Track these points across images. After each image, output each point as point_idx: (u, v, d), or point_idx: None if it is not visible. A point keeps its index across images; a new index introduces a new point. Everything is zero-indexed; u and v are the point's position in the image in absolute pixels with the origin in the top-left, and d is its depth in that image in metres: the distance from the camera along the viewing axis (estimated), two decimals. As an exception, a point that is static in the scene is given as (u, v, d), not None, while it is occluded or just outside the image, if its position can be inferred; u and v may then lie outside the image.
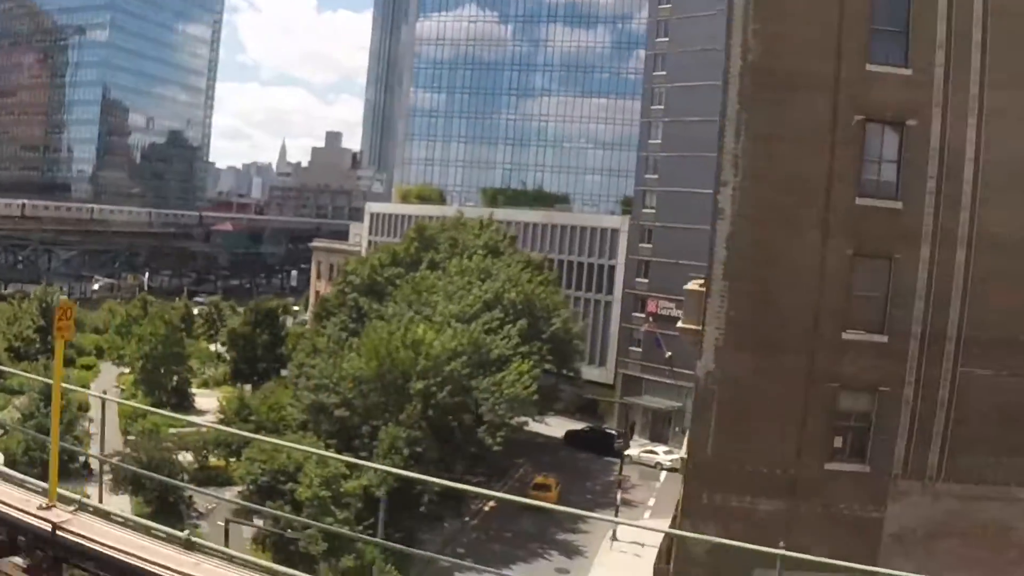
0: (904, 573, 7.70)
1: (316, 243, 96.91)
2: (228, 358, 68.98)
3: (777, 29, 19.46)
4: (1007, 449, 19.30)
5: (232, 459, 42.73)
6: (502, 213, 67.62)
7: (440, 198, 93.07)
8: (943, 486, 19.56)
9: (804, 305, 19.55)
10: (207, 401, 58.41)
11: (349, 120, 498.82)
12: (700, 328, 19.74)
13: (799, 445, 19.82)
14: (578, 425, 60.29)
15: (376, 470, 34.00)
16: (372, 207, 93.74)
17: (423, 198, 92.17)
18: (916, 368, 19.41)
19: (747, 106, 19.82)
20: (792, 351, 19.68)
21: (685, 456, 20.89)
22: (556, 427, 56.93)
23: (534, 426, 50.61)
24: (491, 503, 44.10)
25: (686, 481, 20.35)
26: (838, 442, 19.98)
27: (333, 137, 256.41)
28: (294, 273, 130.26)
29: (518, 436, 47.21)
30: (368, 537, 34.72)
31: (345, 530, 31.72)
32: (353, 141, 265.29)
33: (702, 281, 20.58)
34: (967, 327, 19.28)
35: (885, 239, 19.53)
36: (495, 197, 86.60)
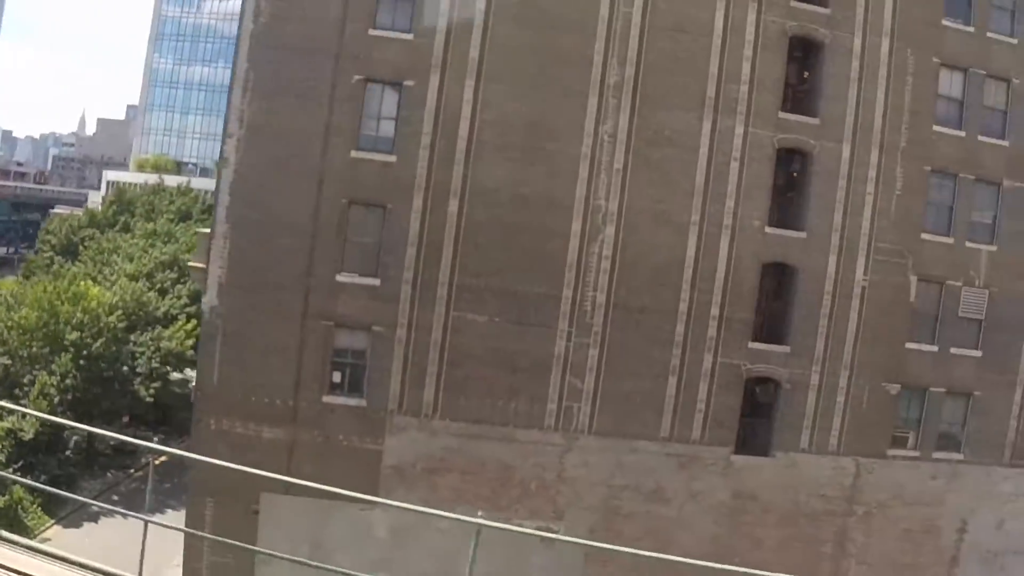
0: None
1: (56, 210, 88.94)
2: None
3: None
4: (504, 391, 20.64)
5: None
6: (201, 182, 65.30)
7: (176, 168, 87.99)
8: (440, 423, 20.55)
9: (300, 248, 19.92)
10: None
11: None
12: (205, 267, 19.51)
13: (298, 378, 20.16)
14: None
15: (25, 415, 32.42)
16: (108, 175, 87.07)
17: (159, 167, 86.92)
18: (409, 311, 20.31)
19: (254, 65, 19.82)
20: (289, 290, 20.00)
21: (194, 385, 20.71)
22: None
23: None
24: (162, 457, 42.38)
25: (196, 409, 20.16)
26: (336, 377, 20.56)
27: (133, 109, 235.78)
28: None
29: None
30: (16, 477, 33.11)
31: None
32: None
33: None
34: (460, 274, 20.39)
35: (379, 190, 20.28)
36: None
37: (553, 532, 19.72)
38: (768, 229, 21.10)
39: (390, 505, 19.57)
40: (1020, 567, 23.49)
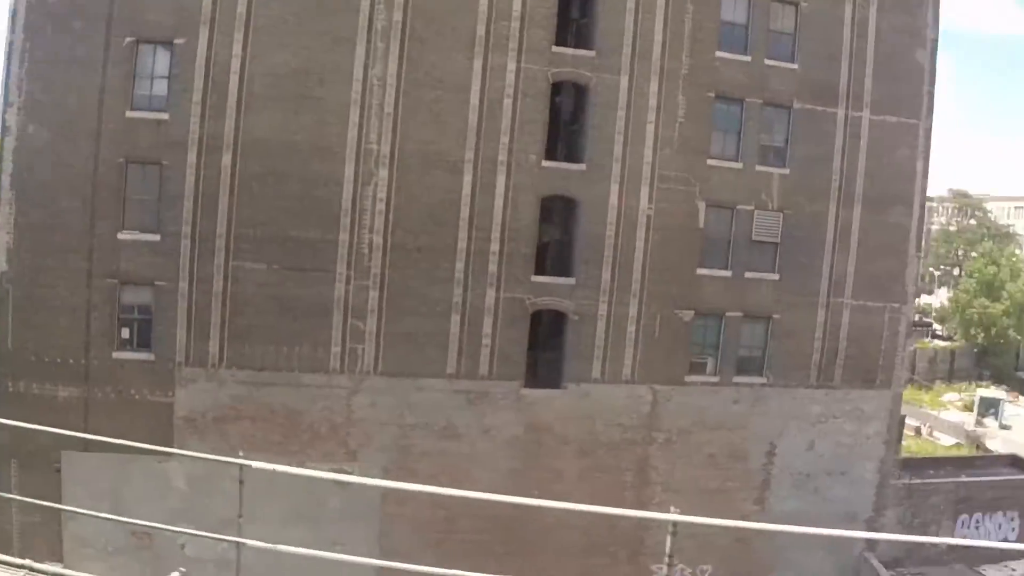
0: None
1: None
2: None
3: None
4: (287, 337, 20.60)
5: None
6: None
7: None
8: (227, 373, 20.56)
9: (82, 209, 19.90)
10: None
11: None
12: (-12, 233, 19.56)
13: (87, 337, 20.20)
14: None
15: None
16: None
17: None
18: (189, 264, 20.28)
19: (30, 34, 19.76)
20: (74, 251, 20.00)
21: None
22: None
23: None
24: None
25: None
26: (125, 333, 20.55)
27: None
28: None
29: None
30: None
31: None
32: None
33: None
34: (237, 225, 20.32)
35: (154, 147, 20.19)
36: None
37: (347, 473, 19.68)
38: (545, 163, 20.85)
39: (186, 456, 19.56)
40: (835, 487, 23.29)
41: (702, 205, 21.54)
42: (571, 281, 21.15)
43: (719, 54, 21.69)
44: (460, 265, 20.59)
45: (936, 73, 23.53)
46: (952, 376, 64.31)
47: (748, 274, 22.00)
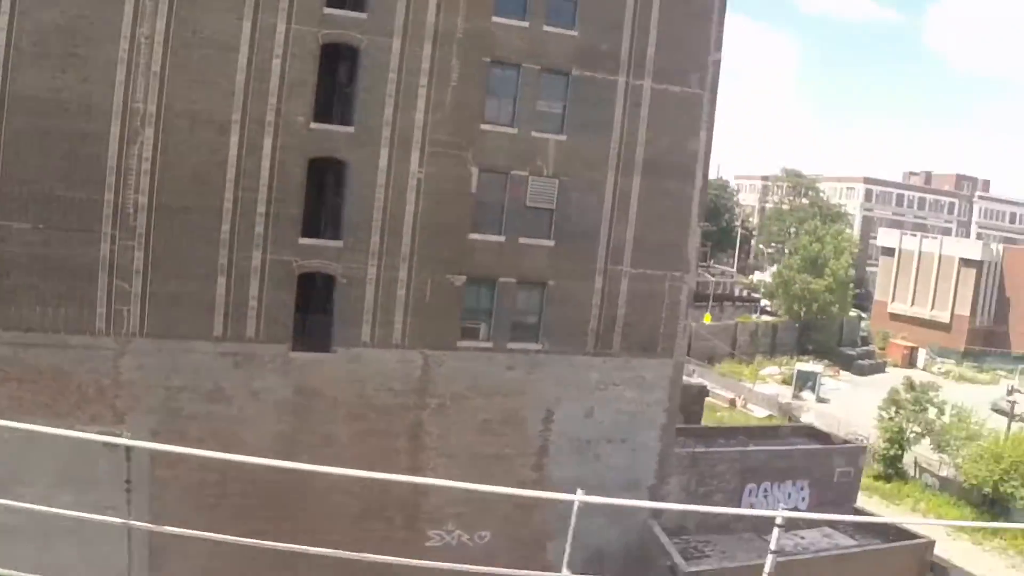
0: None
1: None
2: None
3: None
4: (54, 298, 30.03)
5: None
6: None
7: None
8: None
9: None
10: None
11: None
12: None
13: None
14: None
15: None
16: None
17: None
18: (-52, 221, 29.28)
19: None
20: None
21: None
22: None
23: None
24: None
25: None
26: None
27: None
28: None
29: None
30: None
31: None
32: None
33: None
34: (3, 183, 29.49)
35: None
36: None
37: (116, 435, 29.19)
38: (314, 125, 30.93)
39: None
40: (617, 455, 34.27)
41: (475, 170, 32.11)
42: (339, 244, 31.29)
43: (496, 19, 32.23)
44: (226, 227, 30.50)
45: (722, 43, 34.78)
46: (774, 350, 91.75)
47: (522, 240, 32.73)
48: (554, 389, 33.78)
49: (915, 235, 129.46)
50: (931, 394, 60.67)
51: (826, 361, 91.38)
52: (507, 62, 32.68)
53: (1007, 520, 52.30)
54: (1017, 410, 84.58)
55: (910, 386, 60.90)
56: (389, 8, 31.68)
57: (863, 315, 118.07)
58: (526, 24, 32.83)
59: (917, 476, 60.57)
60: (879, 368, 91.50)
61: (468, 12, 32.22)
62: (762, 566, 26.77)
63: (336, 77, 32.23)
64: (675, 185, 34.58)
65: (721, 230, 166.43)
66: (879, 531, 40.59)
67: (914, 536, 40.32)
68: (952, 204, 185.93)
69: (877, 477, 59.30)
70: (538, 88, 33.06)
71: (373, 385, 32.22)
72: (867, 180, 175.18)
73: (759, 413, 70.60)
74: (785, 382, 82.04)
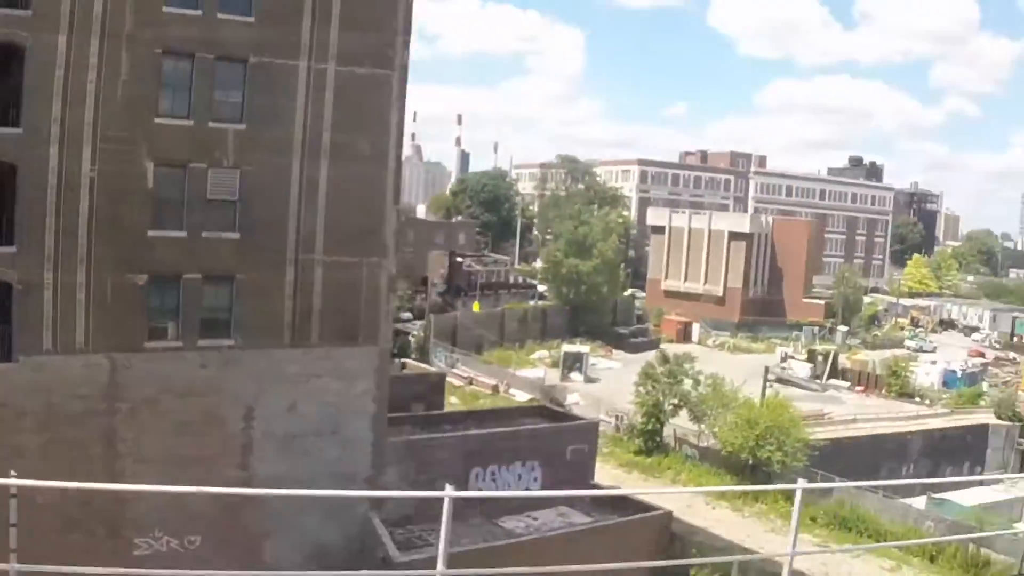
0: None
1: None
2: None
3: None
4: None
5: None
6: None
7: None
8: None
9: None
10: None
11: None
12: None
13: None
14: None
15: None
16: None
17: None
18: None
19: None
20: None
21: None
22: None
23: None
24: None
25: None
26: None
27: None
28: None
29: None
30: None
31: None
32: None
33: None
34: None
35: None
36: None
37: None
38: (-23, 127, 36.04)
39: None
40: (327, 448, 40.84)
41: (150, 165, 37.84)
42: (13, 250, 36.63)
43: (167, 9, 37.98)
44: None
45: (411, 23, 41.60)
46: (545, 335, 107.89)
47: (206, 234, 38.68)
48: (253, 385, 39.70)
49: (684, 212, 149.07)
50: (686, 366, 69.96)
51: (598, 342, 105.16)
52: (180, 52, 38.04)
53: (767, 484, 62.08)
54: (790, 376, 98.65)
55: (664, 359, 70.80)
56: (54, 4, 36.88)
57: (639, 294, 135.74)
58: (199, 12, 38.26)
59: (677, 448, 69.84)
60: (653, 345, 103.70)
61: (137, 3, 37.32)
62: (481, 551, 37.17)
63: (9, 79, 37.36)
64: (367, 169, 40.80)
65: (501, 220, 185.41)
66: (619, 506, 48.37)
67: (652, 508, 48.52)
68: (728, 181, 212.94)
69: (638, 452, 68.60)
70: (214, 78, 38.83)
71: (60, 393, 37.27)
72: (641, 162, 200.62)
73: (521, 397, 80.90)
74: (555, 365, 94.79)
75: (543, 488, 47.08)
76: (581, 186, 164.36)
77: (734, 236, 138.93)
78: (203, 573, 32.32)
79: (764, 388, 75.46)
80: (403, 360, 78.56)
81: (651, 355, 78.88)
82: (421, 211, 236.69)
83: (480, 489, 44.76)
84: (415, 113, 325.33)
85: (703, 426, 68.68)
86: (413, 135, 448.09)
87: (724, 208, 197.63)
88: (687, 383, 69.61)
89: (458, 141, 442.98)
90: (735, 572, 44.13)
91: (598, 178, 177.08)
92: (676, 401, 69.03)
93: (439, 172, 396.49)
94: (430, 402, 55.96)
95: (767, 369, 79.84)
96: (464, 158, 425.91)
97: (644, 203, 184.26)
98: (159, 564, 38.30)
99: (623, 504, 47.98)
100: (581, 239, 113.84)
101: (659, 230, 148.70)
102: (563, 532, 44.77)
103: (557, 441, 48.60)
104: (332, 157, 40.35)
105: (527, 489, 46.25)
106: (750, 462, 64.19)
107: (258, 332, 39.80)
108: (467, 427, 48.52)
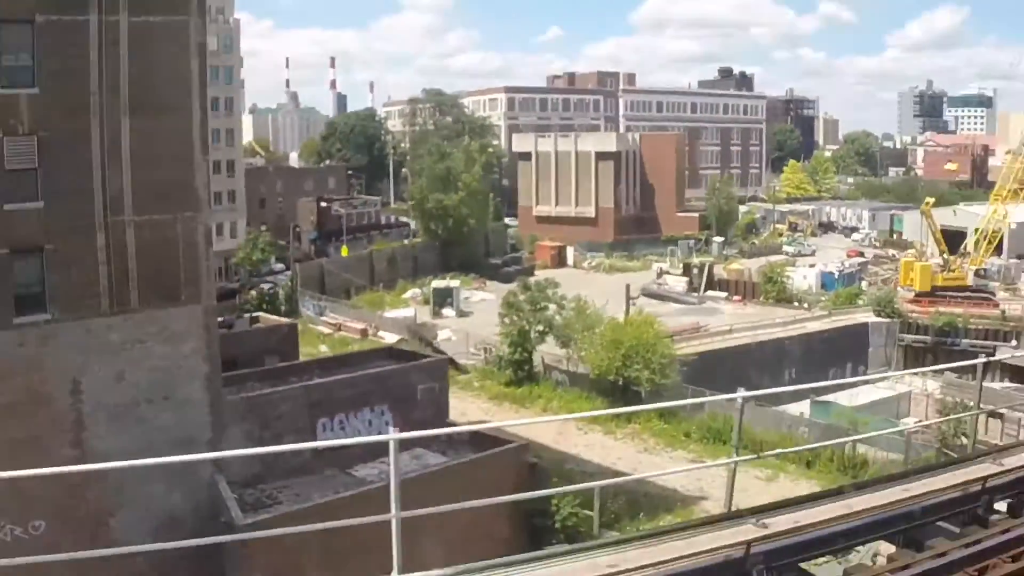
0: None
1: None
2: None
3: None
4: None
5: None
6: None
7: None
8: None
9: None
10: None
11: None
12: None
13: None
14: None
15: None
16: None
17: None
18: None
19: None
20: None
21: None
22: None
23: None
24: None
25: None
26: None
27: None
28: None
29: None
30: None
31: None
32: None
33: None
34: None
35: None
36: None
37: None
38: None
39: None
40: (162, 414, 39.84)
41: (-59, 139, 36.22)
42: None
43: (-53, -30, 36.21)
44: None
45: (198, -36, 40.16)
46: (416, 273, 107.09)
47: (8, 206, 37.18)
48: (76, 358, 38.41)
49: (549, 136, 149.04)
50: (549, 291, 69.74)
51: (472, 274, 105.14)
52: (-40, 17, 36.77)
53: (639, 404, 62.37)
54: (667, 291, 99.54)
55: (525, 287, 70.68)
56: None
57: (511, 223, 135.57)
58: (-25, -27, 37.00)
59: (548, 376, 70.02)
60: (528, 273, 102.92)
61: (-95, -32, 36.13)
62: (329, 503, 35.83)
63: None
64: (171, 122, 39.37)
65: (373, 161, 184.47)
66: (477, 443, 47.86)
67: (506, 442, 48.07)
68: (597, 102, 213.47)
69: (508, 383, 68.51)
70: (1, 41, 37.41)
71: None
72: (508, 89, 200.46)
73: (391, 339, 79.69)
74: (427, 303, 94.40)
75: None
76: (449, 119, 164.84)
77: (601, 156, 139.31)
78: (56, 557, 31.40)
79: (627, 306, 75.73)
80: (255, 314, 77.05)
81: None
82: (294, 159, 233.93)
83: (332, 438, 44.16)
84: (287, 59, 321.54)
85: (570, 351, 68.65)
86: (288, 81, 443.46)
87: (595, 129, 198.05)
88: (551, 309, 69.35)
89: (333, 84, 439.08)
90: (597, 497, 44.26)
91: (466, 109, 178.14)
92: (541, 328, 68.80)
93: (314, 118, 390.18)
94: (284, 354, 55.16)
95: (628, 287, 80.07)
96: (341, 101, 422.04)
97: (514, 130, 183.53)
98: (6, 553, 37.11)
99: (481, 440, 47.38)
100: (444, 173, 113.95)
101: (526, 156, 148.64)
102: (415, 476, 44.02)
103: (405, 382, 47.92)
104: (133, 113, 38.90)
105: (379, 434, 45.60)
106: (620, 383, 64.28)
107: (74, 303, 38.46)
108: (312, 377, 47.61)
